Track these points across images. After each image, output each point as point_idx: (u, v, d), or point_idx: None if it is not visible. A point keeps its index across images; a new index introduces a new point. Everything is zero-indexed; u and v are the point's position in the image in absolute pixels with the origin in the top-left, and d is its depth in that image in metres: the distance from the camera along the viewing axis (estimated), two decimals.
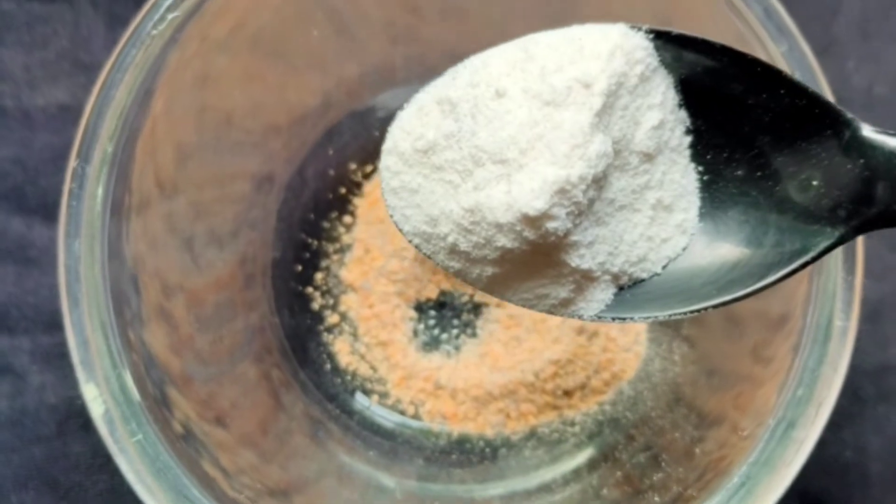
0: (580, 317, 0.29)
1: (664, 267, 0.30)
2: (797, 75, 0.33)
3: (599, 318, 0.30)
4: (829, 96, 0.33)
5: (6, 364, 0.44)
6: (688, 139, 0.29)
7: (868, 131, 0.27)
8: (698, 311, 0.29)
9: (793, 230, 0.28)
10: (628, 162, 0.28)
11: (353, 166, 0.46)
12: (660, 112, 0.28)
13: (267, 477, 0.37)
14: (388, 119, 0.30)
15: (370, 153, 0.46)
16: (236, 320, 0.42)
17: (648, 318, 0.29)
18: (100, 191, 0.33)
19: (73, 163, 0.33)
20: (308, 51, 0.42)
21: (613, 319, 0.30)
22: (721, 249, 0.30)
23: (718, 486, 0.32)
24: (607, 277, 0.29)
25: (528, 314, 0.44)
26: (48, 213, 0.46)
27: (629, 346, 0.43)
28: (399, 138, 0.29)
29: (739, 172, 0.29)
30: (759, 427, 0.32)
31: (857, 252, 0.32)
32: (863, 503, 0.44)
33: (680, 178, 0.29)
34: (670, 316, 0.29)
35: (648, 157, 0.28)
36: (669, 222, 0.30)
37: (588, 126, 0.25)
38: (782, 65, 0.33)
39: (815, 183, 0.28)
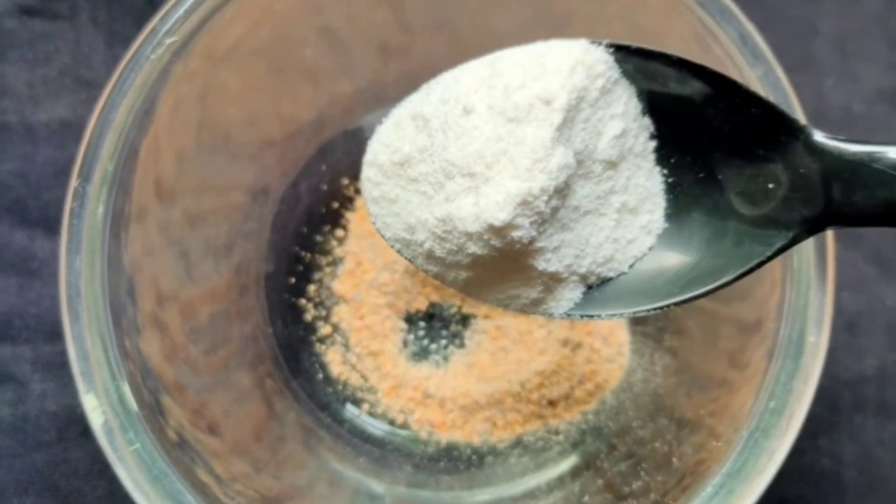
0: (551, 315, 0.31)
1: (631, 266, 0.31)
2: (771, 97, 0.34)
3: (569, 315, 0.31)
4: (802, 115, 0.34)
5: (8, 372, 0.45)
6: (652, 144, 0.31)
7: (819, 137, 0.29)
8: (662, 308, 0.31)
9: (750, 231, 0.30)
10: (592, 170, 0.29)
11: (345, 181, 0.48)
12: (622, 121, 0.30)
13: (260, 484, 0.38)
14: None
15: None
16: (230, 330, 0.43)
17: (615, 315, 0.31)
18: (100, 209, 0.34)
19: (74, 182, 0.34)
20: (303, 69, 0.43)
21: (582, 317, 0.31)
22: (684, 249, 0.31)
23: (695, 493, 0.33)
24: (575, 278, 0.30)
25: (515, 326, 0.45)
26: (50, 226, 0.47)
27: (612, 358, 0.44)
28: (378, 151, 0.31)
29: (701, 176, 0.31)
30: (735, 434, 0.33)
31: (829, 268, 0.33)
32: None
33: (645, 181, 0.31)
34: (635, 313, 0.31)
35: (612, 165, 0.30)
36: (635, 224, 0.31)
37: (549, 140, 0.27)
38: (758, 88, 0.35)
39: (770, 186, 0.29)
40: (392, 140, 0.30)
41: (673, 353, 0.43)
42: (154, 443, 0.33)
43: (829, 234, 0.33)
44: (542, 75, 0.28)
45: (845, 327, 0.47)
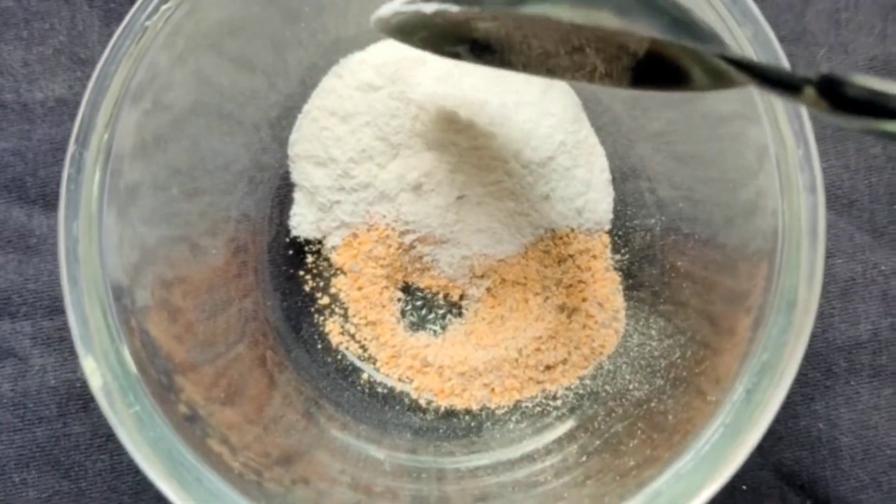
0: None
1: None
2: (762, 58, 0.35)
3: None
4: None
5: (8, 348, 0.46)
6: None
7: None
8: None
9: None
10: None
11: None
12: None
13: (260, 451, 0.38)
14: None
15: None
16: (231, 305, 0.44)
17: None
18: (97, 175, 0.35)
19: (71, 148, 0.35)
20: (299, 40, 0.43)
21: None
22: None
23: (690, 448, 0.33)
24: None
25: (511, 294, 0.45)
26: (47, 202, 0.47)
27: (608, 323, 0.45)
28: None
29: None
30: (728, 390, 0.33)
31: (819, 224, 0.34)
32: (834, 474, 0.45)
33: None
34: None
35: None
36: None
37: None
38: (748, 49, 0.35)
39: None
40: None
41: (667, 317, 0.43)
42: (154, 405, 0.34)
43: (820, 187, 0.34)
44: None
45: (840, 293, 0.47)
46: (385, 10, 0.36)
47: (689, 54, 0.31)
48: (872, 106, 0.24)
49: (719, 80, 0.31)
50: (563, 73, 0.36)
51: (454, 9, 0.33)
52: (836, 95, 0.25)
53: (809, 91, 0.25)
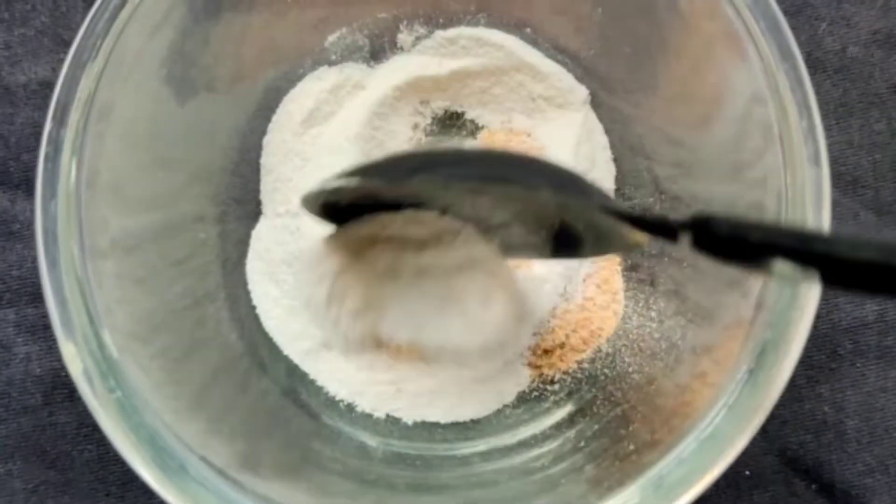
0: None
1: None
2: (762, 25, 0.34)
3: None
4: (800, 55, 0.34)
5: None
6: None
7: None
8: None
9: None
10: None
11: None
12: None
13: (248, 437, 0.37)
14: None
15: None
16: (219, 290, 0.43)
17: None
18: (75, 155, 0.33)
19: (48, 126, 0.34)
20: (283, 15, 0.42)
21: None
22: None
23: (691, 430, 0.32)
24: None
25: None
26: (31, 188, 0.46)
27: (607, 305, 0.44)
28: None
29: None
30: (732, 370, 0.32)
31: (824, 197, 0.33)
32: (840, 458, 0.44)
33: None
34: None
35: None
36: None
37: None
38: (747, 14, 0.34)
39: None
40: None
41: (667, 298, 0.42)
42: (135, 391, 0.32)
43: (824, 159, 0.33)
44: None
45: None
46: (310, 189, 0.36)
47: (586, 216, 0.32)
48: (743, 243, 0.24)
49: (615, 240, 0.32)
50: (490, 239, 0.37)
51: (354, 183, 0.34)
52: (708, 236, 0.25)
53: (685, 236, 0.26)
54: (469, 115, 0.47)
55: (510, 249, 0.37)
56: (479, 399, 0.42)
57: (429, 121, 0.46)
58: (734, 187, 0.38)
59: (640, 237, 0.29)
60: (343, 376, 0.43)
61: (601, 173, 0.45)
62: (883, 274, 0.21)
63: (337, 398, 0.43)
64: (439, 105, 0.47)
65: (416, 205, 0.37)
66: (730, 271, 0.37)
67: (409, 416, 0.42)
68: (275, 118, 0.45)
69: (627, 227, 0.29)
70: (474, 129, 0.47)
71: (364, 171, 0.34)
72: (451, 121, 0.47)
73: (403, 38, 0.45)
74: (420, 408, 0.42)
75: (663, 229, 0.27)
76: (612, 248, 0.33)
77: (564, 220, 0.33)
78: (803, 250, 0.22)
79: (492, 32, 0.45)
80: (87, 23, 0.34)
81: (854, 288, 0.22)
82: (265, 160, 0.45)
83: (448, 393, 0.42)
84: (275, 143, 0.44)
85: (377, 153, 0.44)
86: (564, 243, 0.34)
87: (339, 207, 0.38)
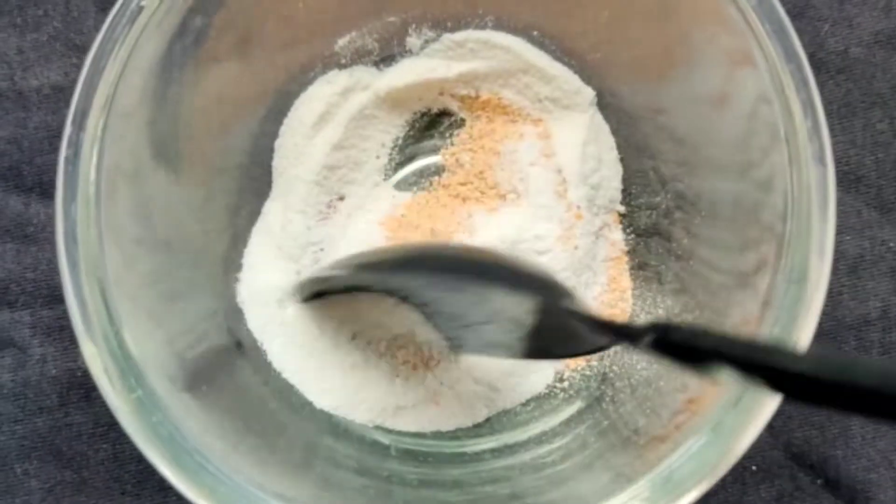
0: None
1: None
2: (767, 27, 0.34)
3: None
4: (804, 55, 0.34)
5: (8, 338, 0.45)
6: None
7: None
8: None
9: None
10: None
11: None
12: None
13: (263, 436, 0.38)
14: None
15: None
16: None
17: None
18: (94, 157, 0.34)
19: (67, 130, 0.34)
20: (294, 19, 0.43)
21: None
22: None
23: (699, 426, 0.33)
24: None
25: None
26: (44, 190, 0.47)
27: (614, 303, 0.44)
28: None
29: None
30: None
31: (829, 195, 0.33)
32: (844, 453, 0.45)
33: None
34: None
35: None
36: None
37: None
38: (752, 16, 0.35)
39: None
40: None
41: (675, 295, 0.42)
42: (155, 390, 0.33)
43: (829, 158, 0.33)
44: None
45: (848, 270, 0.46)
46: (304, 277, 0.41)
47: (559, 318, 0.33)
48: (694, 350, 0.26)
49: (584, 343, 0.33)
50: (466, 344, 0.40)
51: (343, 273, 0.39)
52: (669, 341, 0.27)
53: (646, 340, 0.27)
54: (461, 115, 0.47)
55: (486, 348, 0.39)
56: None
57: (408, 129, 0.47)
58: (740, 186, 0.38)
59: (605, 340, 0.32)
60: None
61: (608, 173, 0.45)
62: (823, 389, 0.22)
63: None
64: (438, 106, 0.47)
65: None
66: (736, 271, 0.38)
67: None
68: (286, 121, 0.45)
69: (596, 331, 0.32)
70: (453, 125, 0.47)
71: (353, 265, 0.38)
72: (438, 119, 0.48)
73: (412, 41, 0.46)
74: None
75: (627, 335, 0.29)
76: (581, 349, 0.35)
77: (538, 321, 0.34)
78: (746, 361, 0.24)
79: (499, 35, 0.45)
80: (105, 26, 0.35)
81: (799, 399, 0.24)
82: (277, 163, 0.45)
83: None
84: (286, 147, 0.45)
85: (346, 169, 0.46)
86: (537, 346, 0.35)
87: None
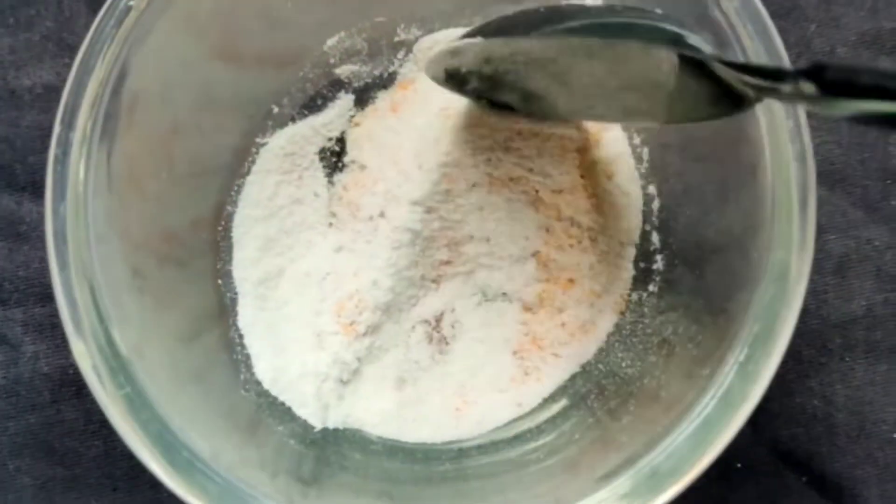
0: None
1: None
2: (749, 28, 0.35)
3: None
4: (784, 55, 0.35)
5: (0, 335, 0.46)
6: None
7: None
8: None
9: None
10: None
11: None
12: None
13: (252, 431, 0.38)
14: None
15: None
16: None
17: None
18: (83, 156, 0.34)
19: (56, 129, 0.34)
20: (287, 19, 0.43)
21: None
22: None
23: (683, 422, 0.33)
24: None
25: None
26: (37, 189, 0.47)
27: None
28: None
29: None
30: (718, 366, 0.33)
31: (810, 193, 0.34)
32: (829, 451, 0.45)
33: None
34: None
35: None
36: None
37: None
38: (736, 21, 0.35)
39: None
40: None
41: (659, 294, 0.43)
42: (144, 387, 0.33)
43: (809, 157, 0.34)
44: None
45: (834, 270, 0.47)
46: (434, 52, 0.39)
47: (700, 72, 0.31)
48: (858, 86, 0.25)
49: (728, 98, 0.32)
50: (604, 114, 0.39)
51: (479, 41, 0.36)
52: (823, 80, 0.25)
53: (805, 83, 0.26)
54: None
55: (626, 114, 0.39)
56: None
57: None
58: (722, 187, 0.39)
59: (752, 91, 0.30)
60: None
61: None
62: None
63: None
64: None
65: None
66: (719, 265, 0.38)
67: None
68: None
69: (741, 81, 0.30)
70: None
71: (484, 31, 0.36)
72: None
73: (401, 40, 0.46)
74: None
75: (782, 77, 0.28)
76: (724, 110, 0.33)
77: (679, 80, 0.33)
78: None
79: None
80: (94, 25, 0.35)
81: None
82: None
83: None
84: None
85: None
86: (679, 108, 0.34)
87: (461, 76, 0.40)
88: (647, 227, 0.44)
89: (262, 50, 0.43)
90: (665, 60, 0.32)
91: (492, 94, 0.42)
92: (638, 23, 0.33)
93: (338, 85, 0.47)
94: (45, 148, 0.46)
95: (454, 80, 0.41)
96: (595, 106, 0.38)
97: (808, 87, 0.26)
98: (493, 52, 0.37)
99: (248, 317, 0.43)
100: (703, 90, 0.32)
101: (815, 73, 0.26)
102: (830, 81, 0.25)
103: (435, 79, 0.41)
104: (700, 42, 0.32)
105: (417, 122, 0.44)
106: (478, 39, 0.36)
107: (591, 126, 0.44)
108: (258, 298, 0.44)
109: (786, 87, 0.28)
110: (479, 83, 0.40)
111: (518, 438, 0.42)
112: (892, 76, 0.24)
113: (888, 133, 0.43)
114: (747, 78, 0.30)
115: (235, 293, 0.44)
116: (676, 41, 0.32)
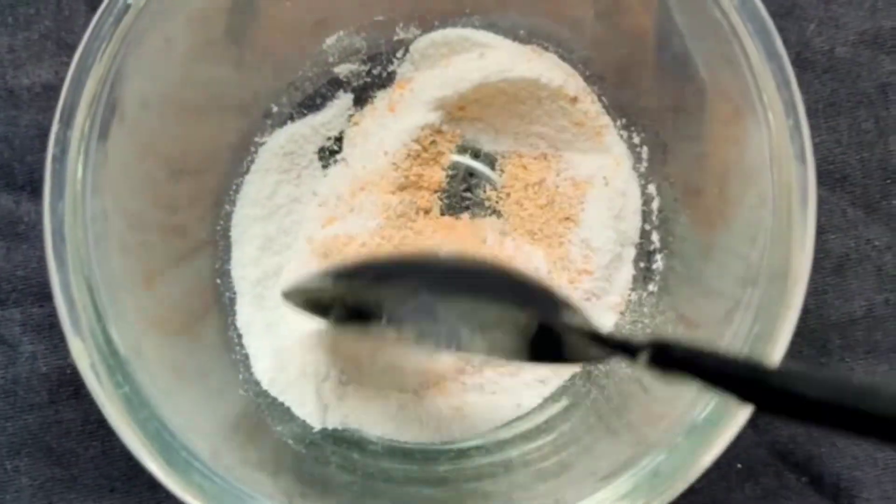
0: None
1: None
2: (749, 27, 0.34)
3: None
4: (787, 55, 0.35)
5: None
6: None
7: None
8: None
9: None
10: None
11: None
12: None
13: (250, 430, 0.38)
14: None
15: None
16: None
17: None
18: (81, 155, 0.34)
19: (55, 128, 0.34)
20: (282, 19, 0.43)
21: None
22: None
23: (681, 422, 0.33)
24: None
25: None
26: (35, 188, 0.47)
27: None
28: None
29: None
30: None
31: (809, 192, 0.33)
32: (829, 451, 0.45)
33: None
34: None
35: None
36: None
37: None
38: (736, 20, 0.35)
39: None
40: None
41: (658, 295, 0.43)
42: (141, 385, 0.33)
43: (809, 156, 0.34)
44: None
45: (834, 269, 0.47)
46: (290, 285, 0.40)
47: (556, 329, 0.33)
48: (694, 366, 0.26)
49: (581, 354, 0.34)
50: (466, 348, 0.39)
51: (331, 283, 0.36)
52: (665, 358, 0.27)
53: (644, 355, 0.28)
54: None
55: (491, 351, 0.39)
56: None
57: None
58: (722, 187, 0.39)
59: (604, 353, 0.31)
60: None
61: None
62: (819, 409, 0.22)
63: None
64: None
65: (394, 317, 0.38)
66: (719, 267, 0.38)
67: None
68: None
69: (592, 345, 0.31)
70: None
71: (340, 274, 0.36)
72: None
73: (400, 39, 0.46)
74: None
75: (626, 349, 0.29)
76: (581, 359, 0.36)
77: (540, 329, 0.34)
78: (744, 382, 0.25)
79: (485, 34, 0.45)
80: (93, 24, 0.35)
81: (794, 418, 0.24)
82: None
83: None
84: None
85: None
86: (540, 351, 0.35)
87: (321, 304, 0.40)
88: (647, 227, 0.44)
89: (260, 48, 0.43)
90: (523, 316, 0.34)
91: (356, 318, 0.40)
92: (502, 279, 0.34)
93: (337, 84, 0.47)
94: (44, 147, 0.46)
95: (316, 308, 0.40)
96: (463, 337, 0.38)
97: (649, 362, 0.27)
98: (354, 290, 0.38)
99: (246, 316, 0.43)
100: (564, 341, 0.33)
101: (657, 351, 0.27)
102: (670, 360, 0.27)
103: (295, 307, 0.40)
104: (566, 303, 0.32)
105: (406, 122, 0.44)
106: (333, 282, 0.36)
107: (591, 126, 0.44)
108: (257, 297, 0.44)
109: (629, 357, 0.29)
110: (341, 311, 0.40)
111: (519, 438, 0.42)
112: (727, 364, 0.26)
113: None
114: (595, 347, 0.31)
115: (234, 292, 0.44)
116: (539, 299, 0.33)
